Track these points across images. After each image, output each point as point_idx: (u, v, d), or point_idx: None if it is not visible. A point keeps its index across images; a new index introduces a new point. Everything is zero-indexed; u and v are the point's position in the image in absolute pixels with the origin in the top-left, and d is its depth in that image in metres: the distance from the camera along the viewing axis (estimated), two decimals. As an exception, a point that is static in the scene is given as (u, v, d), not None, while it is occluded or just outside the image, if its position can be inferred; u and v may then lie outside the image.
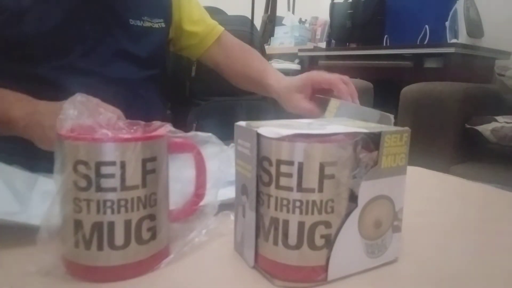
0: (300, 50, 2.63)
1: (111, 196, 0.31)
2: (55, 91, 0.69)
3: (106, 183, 0.31)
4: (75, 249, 0.32)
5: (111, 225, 0.32)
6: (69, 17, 0.70)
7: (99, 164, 0.31)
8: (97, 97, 0.70)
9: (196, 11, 0.92)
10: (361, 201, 0.34)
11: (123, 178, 0.31)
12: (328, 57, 2.43)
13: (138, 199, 0.32)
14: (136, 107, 0.77)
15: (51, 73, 0.70)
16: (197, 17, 0.92)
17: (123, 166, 0.31)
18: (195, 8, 0.92)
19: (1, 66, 0.69)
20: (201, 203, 0.45)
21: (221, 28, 0.94)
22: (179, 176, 0.55)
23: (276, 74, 0.86)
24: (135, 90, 0.78)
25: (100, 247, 0.32)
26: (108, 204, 0.31)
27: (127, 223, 0.32)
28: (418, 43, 2.14)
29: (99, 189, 0.31)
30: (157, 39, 0.83)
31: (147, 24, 0.80)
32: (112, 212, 0.31)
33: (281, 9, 3.06)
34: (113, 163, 0.31)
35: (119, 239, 0.32)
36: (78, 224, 0.32)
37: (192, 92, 1.32)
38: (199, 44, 0.93)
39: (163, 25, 0.83)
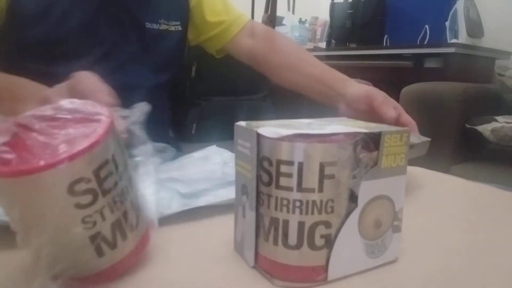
0: (300, 50, 2.62)
1: (94, 207, 0.30)
2: None
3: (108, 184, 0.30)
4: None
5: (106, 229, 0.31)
6: (89, 19, 0.70)
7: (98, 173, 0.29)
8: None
9: (219, 3, 0.89)
10: (361, 201, 0.34)
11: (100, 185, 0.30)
12: (328, 57, 2.42)
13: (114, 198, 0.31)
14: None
15: (62, 74, 0.70)
16: (220, 8, 0.88)
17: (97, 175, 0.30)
18: (217, 0, 0.89)
19: (19, 66, 0.69)
20: (200, 203, 0.45)
21: (247, 17, 0.89)
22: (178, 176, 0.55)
23: (344, 80, 0.77)
24: (145, 97, 0.78)
25: (100, 254, 0.31)
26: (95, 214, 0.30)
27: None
28: (418, 43, 2.14)
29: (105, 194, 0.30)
30: (173, 43, 0.82)
31: (164, 27, 0.79)
32: (103, 220, 0.30)
33: (281, 9, 3.06)
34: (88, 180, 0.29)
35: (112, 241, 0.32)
36: (93, 237, 0.30)
37: (192, 92, 1.33)
38: (224, 33, 0.87)
39: (179, 28, 0.82)
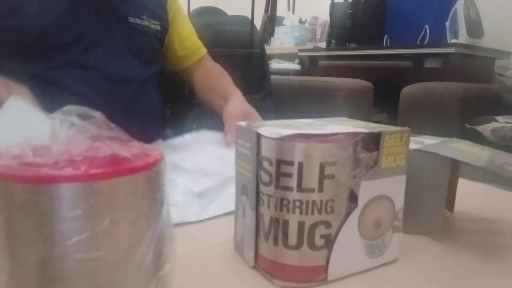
0: (300, 50, 2.63)
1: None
2: (55, 88, 0.69)
3: None
4: None
5: None
6: (68, 12, 0.71)
7: None
8: (97, 95, 0.72)
9: (187, 28, 0.96)
10: (361, 201, 0.34)
11: None
12: (328, 57, 2.43)
13: None
14: (136, 106, 0.78)
15: (50, 70, 0.70)
16: (188, 34, 0.95)
17: None
18: (186, 24, 0.96)
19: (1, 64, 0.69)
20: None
21: (204, 50, 0.97)
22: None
23: (235, 99, 0.86)
24: (135, 89, 0.79)
25: None
26: None
27: None
28: (418, 43, 2.14)
29: None
30: (154, 38, 0.85)
31: (146, 23, 0.82)
32: None
33: (281, 9, 3.06)
34: None
35: None
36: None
37: (192, 92, 1.32)
38: (182, 60, 0.95)
39: (158, 28, 0.85)
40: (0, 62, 0.69)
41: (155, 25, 0.84)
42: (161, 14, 0.87)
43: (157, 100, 0.88)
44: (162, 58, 0.94)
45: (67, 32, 0.71)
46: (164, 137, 0.94)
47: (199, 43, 0.97)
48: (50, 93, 0.66)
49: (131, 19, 0.79)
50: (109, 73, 0.75)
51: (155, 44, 0.86)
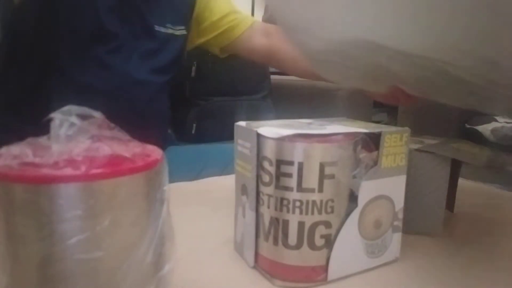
0: (300, 50, 2.63)
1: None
2: (78, 84, 0.72)
3: None
4: None
5: None
6: (103, 13, 0.74)
7: None
8: (117, 96, 0.74)
9: (224, 4, 0.95)
10: (361, 201, 0.34)
11: None
12: (328, 57, 2.42)
13: None
14: (149, 109, 0.81)
15: (75, 64, 0.73)
16: (227, 9, 0.94)
17: None
18: (224, 2, 0.95)
19: (24, 56, 0.71)
20: None
21: (253, 18, 0.95)
22: None
23: None
24: (151, 94, 0.82)
25: None
26: None
27: None
28: (418, 43, 2.13)
29: None
30: (177, 46, 0.87)
31: (170, 31, 0.85)
32: None
33: (281, 9, 3.05)
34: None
35: None
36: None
37: (192, 92, 1.33)
38: (231, 30, 0.93)
39: (184, 32, 0.87)
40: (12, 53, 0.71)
41: (180, 31, 0.86)
42: (186, 15, 0.88)
43: (167, 105, 0.91)
44: (209, 45, 0.95)
45: (98, 31, 0.74)
46: (167, 137, 0.95)
47: (245, 13, 0.96)
48: (71, 86, 0.69)
49: (156, 27, 0.82)
50: (129, 75, 0.77)
51: (179, 50, 0.88)
